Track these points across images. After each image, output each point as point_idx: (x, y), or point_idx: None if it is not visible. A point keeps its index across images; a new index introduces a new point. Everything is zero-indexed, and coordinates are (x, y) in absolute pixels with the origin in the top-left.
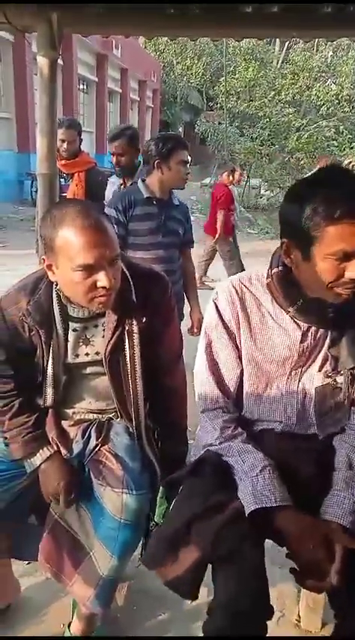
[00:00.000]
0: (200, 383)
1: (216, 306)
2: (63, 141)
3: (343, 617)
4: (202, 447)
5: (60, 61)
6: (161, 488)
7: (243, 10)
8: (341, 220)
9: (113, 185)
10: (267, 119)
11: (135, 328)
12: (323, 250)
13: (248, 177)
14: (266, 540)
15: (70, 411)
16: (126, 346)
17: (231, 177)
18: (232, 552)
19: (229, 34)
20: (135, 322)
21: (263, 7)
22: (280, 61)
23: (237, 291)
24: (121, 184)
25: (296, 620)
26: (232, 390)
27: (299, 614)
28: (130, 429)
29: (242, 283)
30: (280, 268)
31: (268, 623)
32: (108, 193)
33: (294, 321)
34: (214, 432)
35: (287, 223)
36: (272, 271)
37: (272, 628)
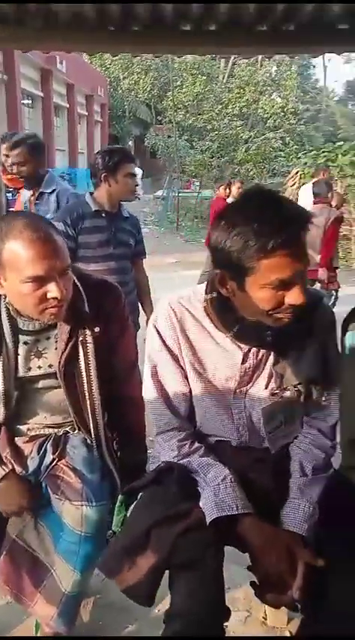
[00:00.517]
0: (150, 408)
1: (157, 330)
2: (7, 156)
3: (308, 615)
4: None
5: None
6: (120, 496)
7: (182, 29)
8: (274, 252)
9: (24, 197)
10: (216, 132)
11: (89, 338)
12: (259, 281)
13: (200, 188)
14: None
15: (24, 428)
16: (81, 357)
17: (227, 191)
18: (193, 560)
19: (169, 51)
20: (88, 332)
21: (201, 26)
22: (226, 76)
23: (176, 313)
24: (32, 195)
25: (263, 618)
26: (183, 410)
27: (265, 612)
28: (88, 441)
29: (181, 304)
30: (215, 294)
31: (236, 623)
32: (20, 205)
33: (234, 342)
34: (171, 452)
35: (220, 254)
36: (208, 297)
37: (240, 628)
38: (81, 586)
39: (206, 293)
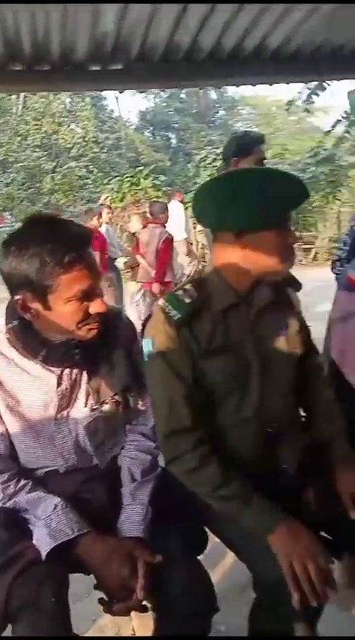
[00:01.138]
0: None
1: None
2: None
3: (157, 612)
4: None
5: None
6: None
7: None
8: (72, 267)
9: None
10: (19, 163)
11: None
12: (63, 296)
13: (13, 221)
14: None
15: None
16: None
17: (99, 220)
18: (31, 600)
19: None
20: None
21: None
22: (20, 108)
23: None
24: None
25: (133, 632)
26: (2, 450)
27: (133, 628)
28: None
29: None
30: (16, 322)
31: None
32: None
33: (45, 367)
34: None
35: (16, 279)
36: (9, 326)
37: None
38: None
39: (6, 324)
